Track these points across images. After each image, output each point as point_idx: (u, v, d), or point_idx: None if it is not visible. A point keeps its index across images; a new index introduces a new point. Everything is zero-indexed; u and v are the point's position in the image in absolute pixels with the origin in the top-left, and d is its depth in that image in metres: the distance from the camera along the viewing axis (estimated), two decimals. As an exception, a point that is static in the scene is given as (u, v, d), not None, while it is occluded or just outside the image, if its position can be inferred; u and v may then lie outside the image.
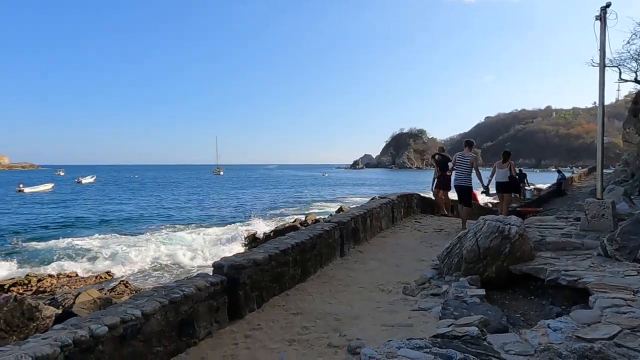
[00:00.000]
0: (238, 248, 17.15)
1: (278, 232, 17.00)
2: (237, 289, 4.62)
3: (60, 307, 9.30)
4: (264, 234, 18.69)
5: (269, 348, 4.01)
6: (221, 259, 4.97)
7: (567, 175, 30.07)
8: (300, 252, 5.88)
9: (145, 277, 14.09)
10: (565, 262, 5.08)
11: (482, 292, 4.49)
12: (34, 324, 7.25)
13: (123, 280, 12.53)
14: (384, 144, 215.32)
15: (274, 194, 51.65)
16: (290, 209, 34.89)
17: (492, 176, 10.08)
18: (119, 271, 14.64)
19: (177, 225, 25.04)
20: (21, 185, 56.07)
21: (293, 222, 20.22)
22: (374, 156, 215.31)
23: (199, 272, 5.30)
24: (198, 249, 17.93)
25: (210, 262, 15.04)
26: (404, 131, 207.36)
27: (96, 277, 13.95)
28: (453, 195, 11.30)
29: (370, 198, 14.25)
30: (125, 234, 22.05)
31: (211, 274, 4.71)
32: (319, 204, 38.77)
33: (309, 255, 6.09)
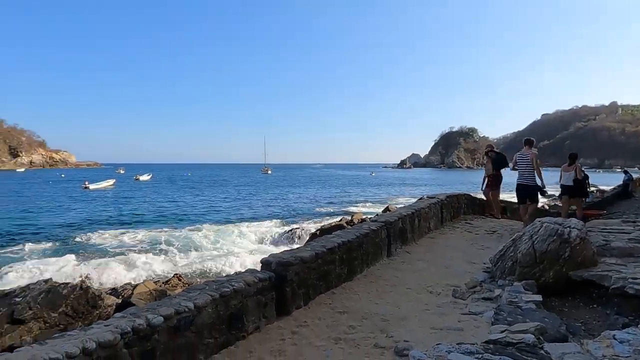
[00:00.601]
0: (285, 246, 17.42)
1: (324, 231, 17.07)
2: (284, 285, 4.69)
3: (120, 297, 9.89)
4: (311, 232, 18.84)
5: (315, 345, 4.04)
6: (269, 255, 5.06)
7: (635, 176, 27.89)
8: (347, 250, 5.87)
9: (197, 271, 14.63)
10: (633, 270, 4.70)
11: (538, 298, 4.26)
12: (97, 312, 7.76)
13: (177, 274, 13.12)
14: (432, 143, 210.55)
15: (321, 193, 51.95)
16: (336, 208, 34.95)
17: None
18: (172, 265, 15.33)
19: (227, 222, 25.83)
20: (86, 182, 60.37)
21: (339, 221, 20.23)
22: (421, 155, 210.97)
23: (247, 268, 5.43)
24: (247, 245, 18.42)
25: (256, 259, 15.42)
26: (454, 130, 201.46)
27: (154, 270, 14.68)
28: (502, 196, 10.81)
29: (417, 198, 13.96)
30: (179, 229, 23.04)
31: (259, 270, 4.83)
32: (365, 203, 38.54)
33: (355, 254, 6.07)
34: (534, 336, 2.91)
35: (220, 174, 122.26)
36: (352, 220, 19.35)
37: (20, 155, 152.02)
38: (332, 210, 32.66)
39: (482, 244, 8.27)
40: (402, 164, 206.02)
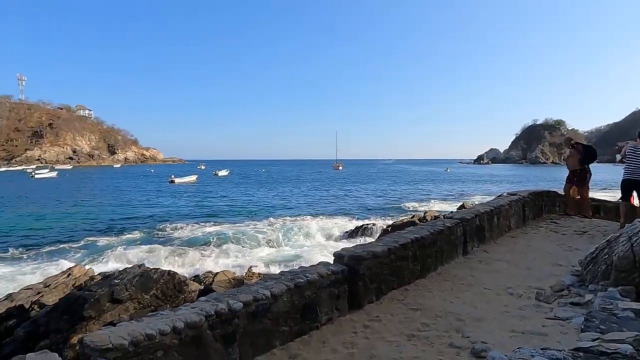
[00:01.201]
0: (356, 241, 17.48)
1: (396, 227, 16.84)
2: (356, 279, 4.72)
3: (202, 283, 10.60)
4: (382, 228, 18.69)
5: (387, 340, 4.02)
6: (341, 249, 5.12)
7: None
8: (420, 247, 5.75)
9: (269, 263, 15.17)
10: None
11: (638, 306, 3.85)
12: (183, 296, 8.40)
13: (251, 265, 13.78)
14: (513, 137, 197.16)
15: (392, 189, 51.20)
16: (408, 204, 34.23)
17: None
18: (247, 256, 16.08)
19: (299, 217, 26.48)
20: (172, 177, 65.56)
21: (411, 218, 19.83)
22: (501, 150, 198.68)
23: (319, 261, 5.53)
24: (318, 239, 18.76)
25: (326, 253, 15.64)
26: (538, 122, 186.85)
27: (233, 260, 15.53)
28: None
29: (496, 195, 13.22)
30: (253, 223, 24.09)
31: (332, 263, 4.91)
32: (438, 200, 37.32)
33: (429, 251, 5.92)
34: (632, 347, 2.64)
35: (293, 170, 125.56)
36: (424, 218, 18.86)
37: (117, 152, 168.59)
38: (403, 207, 32.07)
39: (570, 245, 7.63)
40: (479, 160, 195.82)
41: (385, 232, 16.59)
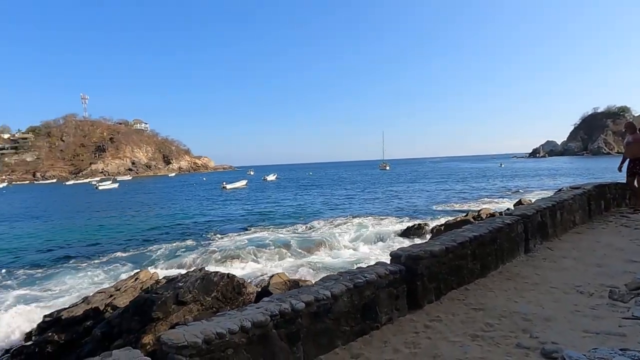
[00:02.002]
0: (407, 241, 17.24)
1: (449, 226, 16.43)
2: (415, 279, 4.69)
3: (258, 286, 10.90)
4: (436, 228, 18.28)
5: (450, 340, 3.96)
6: (398, 249, 5.10)
7: None
8: (479, 245, 5.59)
9: (320, 265, 15.29)
10: None
11: None
12: (242, 298, 8.69)
13: (305, 266, 13.98)
14: (571, 128, 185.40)
15: (442, 188, 49.91)
16: (461, 203, 33.22)
17: None
18: (297, 259, 16.32)
19: (347, 219, 26.49)
20: (224, 183, 68.06)
21: (465, 216, 19.24)
22: (558, 142, 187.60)
23: (371, 262, 5.54)
24: (368, 240, 18.68)
25: (377, 253, 15.54)
26: (599, 110, 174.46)
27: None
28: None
29: (557, 190, 12.54)
30: (302, 226, 24.40)
31: (388, 263, 4.90)
32: (492, 197, 35.89)
33: (488, 249, 5.75)
34: None
35: (339, 172, 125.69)
36: (479, 216, 18.24)
37: (172, 162, 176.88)
38: (455, 206, 31.16)
39: (645, 241, 7.10)
40: (534, 153, 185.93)
41: (438, 231, 16.23)
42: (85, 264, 16.98)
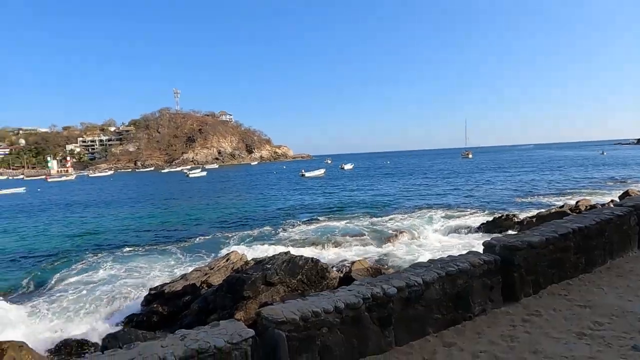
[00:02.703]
0: (491, 234, 16.38)
1: (541, 218, 15.26)
2: (511, 270, 4.46)
3: (340, 271, 11.09)
4: (525, 219, 17.09)
5: (552, 337, 3.73)
6: (492, 238, 4.88)
7: None
8: (584, 238, 5.14)
9: (405, 252, 15.09)
10: None
11: None
12: (325, 282, 8.91)
13: (386, 254, 13.94)
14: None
15: (532, 178, 46.32)
16: (554, 194, 30.58)
17: None
18: (375, 247, 16.27)
19: (425, 209, 25.77)
20: (303, 171, 70.06)
21: (560, 208, 17.71)
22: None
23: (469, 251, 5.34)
24: (451, 231, 18.04)
25: (458, 244, 14.93)
26: None
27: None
28: None
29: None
30: (379, 215, 24.22)
31: (481, 252, 4.70)
32: (591, 188, 32.54)
33: (595, 242, 5.27)
34: None
35: (419, 161, 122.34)
36: (577, 207, 16.68)
37: (254, 151, 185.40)
38: (547, 198, 28.77)
39: None
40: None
41: (529, 223, 15.16)
42: (179, 245, 18.56)
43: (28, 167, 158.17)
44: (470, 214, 22.85)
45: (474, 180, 46.44)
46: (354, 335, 3.51)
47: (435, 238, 16.95)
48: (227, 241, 18.77)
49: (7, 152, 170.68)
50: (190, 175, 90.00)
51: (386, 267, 11.82)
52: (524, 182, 42.27)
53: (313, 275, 8.85)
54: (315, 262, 9.02)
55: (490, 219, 19.03)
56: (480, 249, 4.82)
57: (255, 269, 8.89)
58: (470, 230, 17.85)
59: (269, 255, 10.16)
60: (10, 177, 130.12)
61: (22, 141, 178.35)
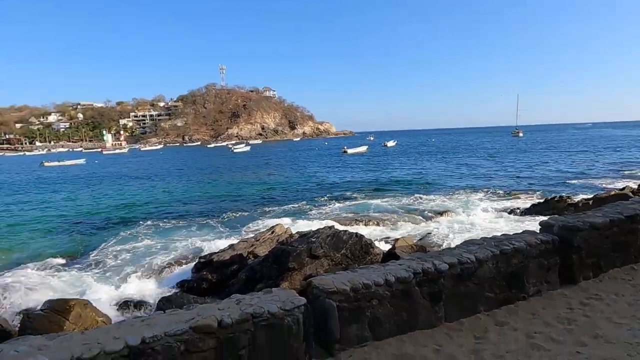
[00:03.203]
0: (539, 216, 15.74)
1: (599, 200, 14.40)
2: (570, 251, 4.26)
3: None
4: (580, 201, 16.20)
5: (614, 322, 3.55)
6: (549, 218, 4.67)
7: None
8: (652, 221, 4.79)
9: (450, 231, 14.79)
10: None
11: None
12: (369, 257, 8.94)
13: (430, 232, 13.77)
14: None
15: (587, 158, 43.67)
16: (613, 175, 28.72)
17: None
18: (415, 226, 16.06)
19: (474, 188, 25.01)
20: (345, 147, 69.87)
21: (621, 190, 16.62)
22: None
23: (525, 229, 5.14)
24: (499, 212, 17.46)
25: (511, 225, 14.41)
26: None
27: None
28: None
29: None
30: (422, 194, 23.77)
31: (538, 232, 4.51)
32: (657, 170, 30.23)
33: (664, 226, 4.90)
34: None
35: (465, 140, 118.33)
36: (640, 190, 15.59)
37: (296, 127, 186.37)
38: (604, 180, 27.03)
39: None
40: None
41: (585, 205, 14.36)
42: (223, 216, 19.22)
43: (86, 140, 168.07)
44: (520, 195, 21.96)
45: (524, 160, 44.42)
46: (403, 308, 3.50)
47: (483, 217, 16.47)
48: (269, 214, 19.20)
49: (67, 126, 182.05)
50: (235, 150, 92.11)
51: (432, 245, 11.67)
52: (578, 162, 39.97)
53: (357, 250, 8.90)
54: (359, 237, 9.05)
55: (541, 200, 18.22)
56: (534, 230, 4.63)
57: (300, 242, 9.05)
58: (520, 211, 17.18)
59: (313, 229, 10.30)
60: (70, 150, 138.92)
61: (80, 115, 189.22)
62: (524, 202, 19.30)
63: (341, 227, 11.60)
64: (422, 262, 3.68)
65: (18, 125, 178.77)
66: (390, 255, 9.35)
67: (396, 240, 11.01)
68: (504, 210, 17.79)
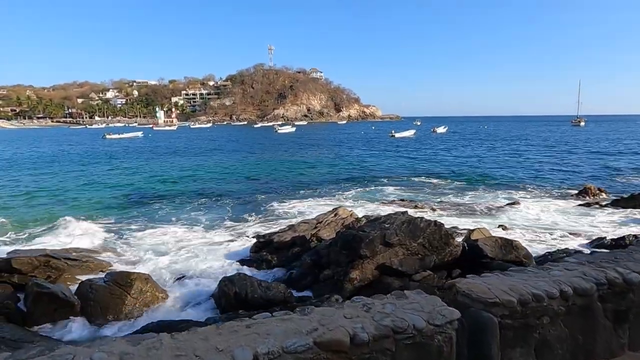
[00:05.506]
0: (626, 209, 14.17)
1: None
2: None
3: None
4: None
5: None
6: None
7: None
8: None
9: (519, 225, 13.49)
10: None
11: None
12: (449, 249, 7.99)
13: (502, 225, 12.61)
14: None
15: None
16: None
17: None
18: (495, 216, 14.80)
19: (539, 181, 23.09)
20: (393, 132, 68.72)
21: None
22: None
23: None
24: (568, 204, 15.83)
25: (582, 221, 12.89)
26: None
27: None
28: None
29: None
30: (483, 184, 22.21)
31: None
32: None
33: None
34: None
35: (520, 128, 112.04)
36: None
37: (342, 110, 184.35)
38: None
39: None
40: None
41: None
42: (273, 195, 18.84)
43: (140, 116, 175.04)
44: (587, 188, 19.91)
45: (581, 152, 40.80)
46: (579, 330, 2.60)
47: (555, 208, 14.96)
48: (325, 196, 18.56)
49: (123, 102, 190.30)
50: (279, 131, 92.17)
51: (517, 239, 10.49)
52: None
53: (435, 240, 7.96)
54: (438, 225, 8.09)
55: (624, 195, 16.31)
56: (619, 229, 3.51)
57: (371, 227, 8.22)
58: (597, 205, 15.48)
59: (381, 214, 9.45)
60: (126, 124, 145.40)
61: (135, 92, 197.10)
62: (595, 198, 17.43)
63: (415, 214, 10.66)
64: (602, 270, 2.73)
65: (79, 100, 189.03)
66: (473, 248, 8.36)
67: (472, 231, 9.94)
68: (586, 204, 16.04)
